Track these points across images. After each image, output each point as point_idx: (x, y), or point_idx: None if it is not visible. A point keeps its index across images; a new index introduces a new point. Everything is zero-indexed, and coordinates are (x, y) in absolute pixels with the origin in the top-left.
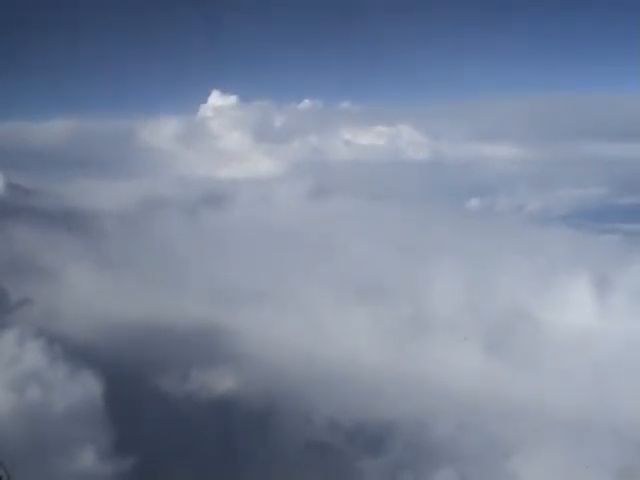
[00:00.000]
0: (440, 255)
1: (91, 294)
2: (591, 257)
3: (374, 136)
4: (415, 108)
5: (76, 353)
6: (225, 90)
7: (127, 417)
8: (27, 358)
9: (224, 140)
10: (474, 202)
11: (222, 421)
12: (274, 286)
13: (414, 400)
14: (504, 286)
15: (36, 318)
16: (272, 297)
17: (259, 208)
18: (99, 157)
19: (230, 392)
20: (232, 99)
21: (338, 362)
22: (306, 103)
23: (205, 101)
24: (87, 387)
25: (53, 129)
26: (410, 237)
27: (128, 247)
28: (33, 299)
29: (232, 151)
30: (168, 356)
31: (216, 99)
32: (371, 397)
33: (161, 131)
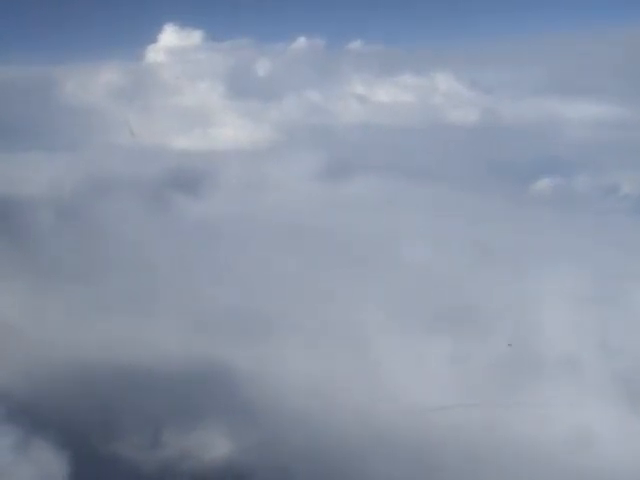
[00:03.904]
0: (525, 259)
1: (27, 322)
2: None
3: (398, 89)
4: (456, 49)
5: (19, 411)
6: (184, 23)
7: None
8: None
9: (186, 95)
10: (544, 182)
11: None
12: (289, 307)
13: (510, 472)
14: (630, 305)
15: None
16: (288, 323)
17: (252, 193)
18: (11, 118)
19: (223, 461)
20: (195, 36)
21: (392, 418)
22: (301, 42)
23: (155, 40)
24: (41, 459)
25: None
26: (476, 234)
27: (73, 249)
28: None
29: (198, 111)
30: (136, 409)
31: (171, 37)
32: (444, 468)
33: (94, 82)
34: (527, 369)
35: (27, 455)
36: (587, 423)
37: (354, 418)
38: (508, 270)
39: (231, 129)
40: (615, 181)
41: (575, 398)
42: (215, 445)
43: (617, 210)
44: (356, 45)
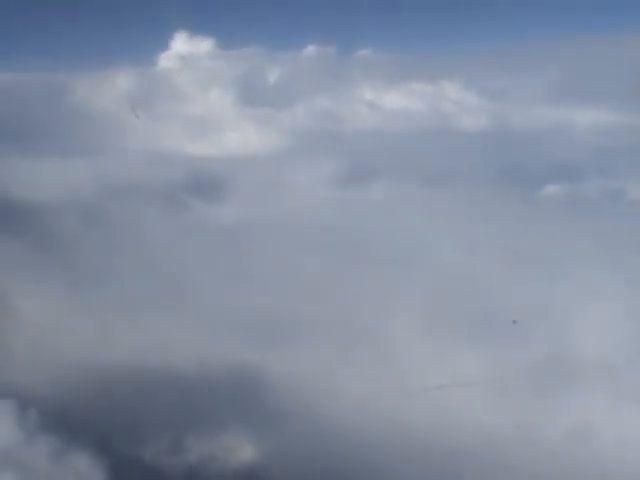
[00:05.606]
0: (543, 262)
1: (54, 328)
2: None
3: (407, 96)
4: (464, 57)
5: (45, 417)
6: (195, 32)
7: None
8: None
9: (197, 102)
10: (551, 188)
11: None
12: (312, 311)
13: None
14: None
15: None
16: (310, 327)
17: (268, 198)
18: (26, 124)
19: (246, 465)
20: (206, 44)
21: (420, 423)
22: (311, 50)
23: (166, 47)
24: (68, 465)
25: None
26: (492, 237)
27: (93, 255)
28: None
29: (210, 118)
30: (160, 414)
31: (183, 44)
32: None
33: (107, 88)
34: (560, 373)
35: (55, 461)
36: (622, 428)
37: (381, 423)
38: (528, 272)
39: (243, 136)
40: (622, 186)
41: (608, 402)
42: (239, 449)
43: (626, 215)
44: (365, 53)
